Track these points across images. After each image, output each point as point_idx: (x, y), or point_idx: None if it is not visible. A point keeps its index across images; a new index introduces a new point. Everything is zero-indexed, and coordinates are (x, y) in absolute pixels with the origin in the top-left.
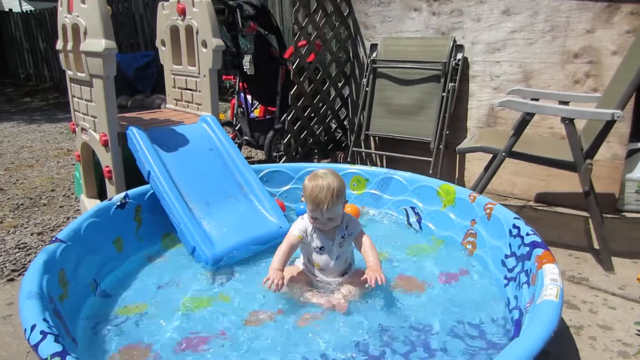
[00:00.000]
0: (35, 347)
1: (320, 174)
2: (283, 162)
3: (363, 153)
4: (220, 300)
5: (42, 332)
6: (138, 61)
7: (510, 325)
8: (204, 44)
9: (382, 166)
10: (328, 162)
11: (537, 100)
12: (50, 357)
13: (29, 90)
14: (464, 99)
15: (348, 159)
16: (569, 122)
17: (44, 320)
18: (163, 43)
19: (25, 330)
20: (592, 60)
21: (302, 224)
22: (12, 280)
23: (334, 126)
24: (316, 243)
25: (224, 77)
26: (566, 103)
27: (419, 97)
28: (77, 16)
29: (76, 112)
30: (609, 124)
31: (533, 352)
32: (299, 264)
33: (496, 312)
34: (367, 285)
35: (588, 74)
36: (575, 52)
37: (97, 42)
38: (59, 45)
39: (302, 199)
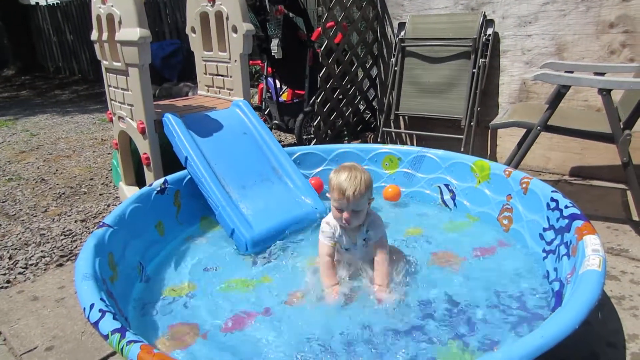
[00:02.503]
0: (95, 324)
1: (347, 165)
2: (314, 145)
3: (393, 133)
4: (262, 281)
5: (100, 311)
6: (164, 50)
7: (551, 297)
8: (234, 29)
9: (412, 145)
10: (358, 143)
11: (571, 72)
12: (111, 334)
13: (58, 83)
14: (494, 75)
15: (378, 139)
16: (606, 93)
17: (101, 299)
18: (193, 30)
19: (84, 309)
20: (629, 29)
21: (328, 230)
22: (61, 265)
23: (362, 107)
24: (343, 245)
25: (250, 62)
26: (602, 74)
27: (448, 74)
28: (112, 6)
29: (113, 101)
30: None
31: (577, 320)
32: None
33: (535, 284)
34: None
35: (624, 43)
36: (610, 21)
37: (132, 31)
38: (94, 35)
39: (328, 194)
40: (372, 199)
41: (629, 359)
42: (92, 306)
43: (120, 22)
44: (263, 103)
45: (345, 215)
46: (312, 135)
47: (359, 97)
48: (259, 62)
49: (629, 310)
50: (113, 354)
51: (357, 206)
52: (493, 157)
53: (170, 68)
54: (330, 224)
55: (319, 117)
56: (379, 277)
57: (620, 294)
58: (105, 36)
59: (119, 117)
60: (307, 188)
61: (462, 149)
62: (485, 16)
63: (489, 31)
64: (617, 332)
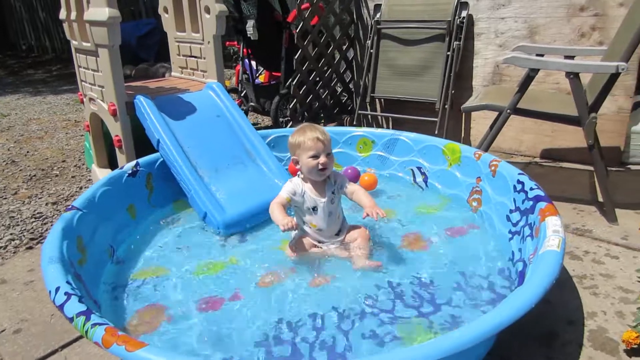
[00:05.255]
0: (60, 307)
1: (303, 124)
2: (290, 127)
3: (369, 116)
4: (233, 263)
5: (66, 294)
6: (140, 29)
7: (515, 277)
8: (207, 10)
9: (388, 128)
10: (334, 126)
11: (542, 55)
12: (76, 316)
13: (31, 62)
14: (469, 58)
15: (354, 122)
16: (573, 76)
17: (67, 282)
18: (166, 10)
19: (50, 292)
20: (598, 12)
21: (290, 187)
22: (30, 248)
23: (339, 90)
24: (308, 204)
25: (227, 43)
26: (572, 58)
27: (423, 57)
28: None
29: (83, 83)
30: (614, 77)
31: (534, 299)
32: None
33: (501, 265)
34: (364, 217)
35: (594, 27)
36: (581, 5)
37: (101, 11)
38: (62, 14)
39: (293, 159)
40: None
41: (587, 335)
42: (57, 289)
43: (88, 1)
44: (240, 85)
45: (322, 159)
46: (289, 118)
47: (336, 79)
48: (236, 43)
49: (589, 289)
50: (82, 336)
51: (330, 148)
52: (467, 140)
53: (147, 48)
54: (293, 181)
55: (295, 100)
56: (366, 200)
57: (582, 273)
58: (73, 15)
59: (90, 99)
60: (280, 171)
61: (436, 132)
62: None
63: (464, 13)
64: (577, 310)
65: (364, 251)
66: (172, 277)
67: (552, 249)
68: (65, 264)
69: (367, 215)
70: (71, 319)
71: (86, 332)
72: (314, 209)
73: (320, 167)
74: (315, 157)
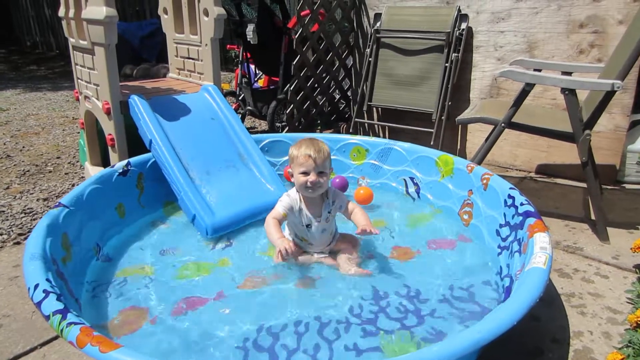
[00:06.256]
0: (38, 304)
1: (305, 138)
2: (286, 133)
3: (366, 124)
4: (219, 266)
5: (44, 291)
6: (143, 29)
7: (502, 292)
8: (206, 13)
9: (384, 137)
10: (330, 133)
11: (539, 70)
12: (52, 314)
13: (35, 58)
14: (467, 70)
15: (350, 130)
16: (569, 92)
17: (47, 280)
18: (165, 11)
19: (29, 289)
20: (598, 30)
21: (287, 201)
22: (18, 243)
23: (337, 97)
24: (303, 221)
25: (228, 46)
26: (569, 74)
27: (422, 67)
28: None
29: (79, 80)
30: (609, 95)
31: (517, 316)
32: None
33: (488, 280)
34: (358, 233)
35: (593, 44)
36: (580, 21)
37: (98, 10)
38: (61, 12)
39: (289, 169)
40: (331, 169)
41: (572, 355)
42: (36, 286)
43: (86, 0)
44: (238, 88)
45: (311, 177)
46: (285, 123)
47: (334, 86)
48: (236, 46)
49: (576, 308)
50: None
51: (323, 167)
52: (463, 152)
53: (149, 48)
54: (290, 195)
55: (292, 105)
56: (362, 219)
57: (570, 291)
58: (72, 13)
59: (85, 97)
60: (272, 176)
61: (432, 143)
62: (460, 10)
63: (463, 26)
64: (564, 328)
65: (352, 258)
66: (157, 278)
67: (538, 266)
68: (47, 261)
69: (361, 231)
70: (47, 317)
71: (61, 330)
72: (308, 226)
73: (308, 184)
74: (306, 173)
